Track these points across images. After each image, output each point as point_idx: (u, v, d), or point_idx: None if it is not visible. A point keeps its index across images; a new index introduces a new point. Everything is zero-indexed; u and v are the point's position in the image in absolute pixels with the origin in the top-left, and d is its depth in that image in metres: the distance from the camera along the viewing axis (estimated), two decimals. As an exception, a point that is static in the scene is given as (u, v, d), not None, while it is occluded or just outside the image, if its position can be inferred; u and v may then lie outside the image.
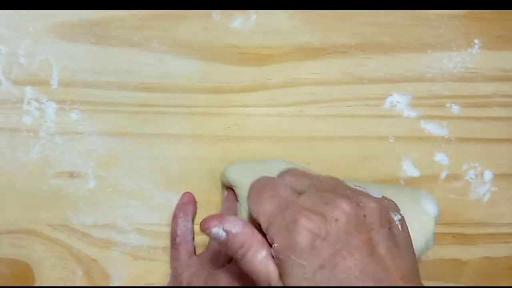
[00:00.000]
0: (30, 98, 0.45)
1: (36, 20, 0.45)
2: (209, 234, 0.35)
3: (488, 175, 0.47)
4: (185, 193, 0.45)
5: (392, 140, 0.47)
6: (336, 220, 0.32)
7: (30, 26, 0.45)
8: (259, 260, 0.34)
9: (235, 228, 0.35)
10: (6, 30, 0.45)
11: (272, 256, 0.34)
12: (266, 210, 0.35)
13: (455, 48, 0.48)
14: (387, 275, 0.31)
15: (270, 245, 0.34)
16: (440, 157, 0.47)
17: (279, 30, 0.47)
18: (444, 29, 0.48)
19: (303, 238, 0.32)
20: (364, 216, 0.33)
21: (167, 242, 0.45)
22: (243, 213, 0.40)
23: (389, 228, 0.33)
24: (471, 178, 0.47)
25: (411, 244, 0.35)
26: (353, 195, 0.34)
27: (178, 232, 0.44)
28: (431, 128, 0.47)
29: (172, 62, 0.46)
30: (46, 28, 0.45)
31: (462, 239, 0.47)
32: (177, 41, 0.46)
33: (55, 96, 0.45)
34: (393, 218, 0.34)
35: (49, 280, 0.44)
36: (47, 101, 0.45)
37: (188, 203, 0.45)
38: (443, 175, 0.47)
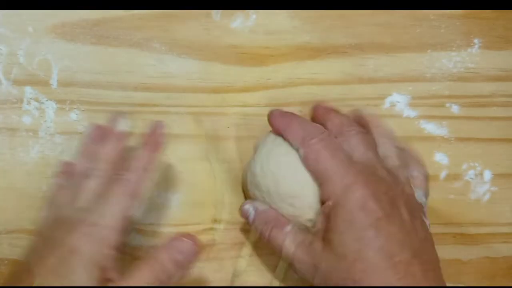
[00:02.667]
0: (30, 98, 0.45)
1: (36, 20, 0.45)
2: (241, 211, 0.41)
3: (487, 175, 0.47)
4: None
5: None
6: (385, 193, 0.37)
7: (30, 26, 0.45)
8: (286, 234, 0.39)
9: (262, 207, 0.40)
10: (6, 30, 0.45)
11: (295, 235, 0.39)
12: (326, 167, 0.37)
13: (455, 48, 0.48)
14: (425, 257, 0.37)
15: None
16: (440, 157, 0.47)
17: (279, 30, 0.47)
18: (444, 29, 0.48)
19: (357, 198, 0.36)
20: (405, 202, 0.38)
21: (167, 242, 0.45)
22: (257, 167, 0.41)
23: (421, 222, 0.39)
24: (470, 178, 0.47)
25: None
26: (397, 179, 0.39)
27: None
28: (431, 128, 0.47)
29: (172, 62, 0.46)
30: (46, 28, 0.45)
31: (462, 239, 0.47)
32: (177, 41, 0.46)
33: (54, 96, 0.45)
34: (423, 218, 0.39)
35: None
36: (46, 101, 0.45)
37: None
38: (442, 175, 0.47)
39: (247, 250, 0.45)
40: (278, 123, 0.40)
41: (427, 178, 0.41)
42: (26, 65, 0.45)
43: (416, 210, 0.39)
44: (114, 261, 0.35)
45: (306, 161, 0.38)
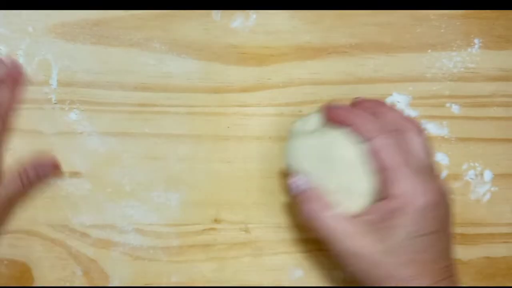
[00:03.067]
0: (30, 98, 0.45)
1: (36, 20, 0.45)
2: (290, 185, 0.40)
3: (488, 175, 0.47)
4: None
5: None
6: (448, 205, 0.38)
7: (30, 26, 0.45)
8: (331, 218, 0.38)
9: (308, 184, 0.40)
10: (6, 30, 0.45)
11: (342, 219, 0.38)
12: (394, 167, 0.37)
13: (455, 48, 0.48)
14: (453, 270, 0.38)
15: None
16: (440, 157, 0.47)
17: (279, 30, 0.47)
18: (444, 29, 0.48)
19: (421, 208, 0.36)
20: (448, 197, 0.39)
21: (167, 242, 0.45)
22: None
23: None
24: (471, 178, 0.47)
25: None
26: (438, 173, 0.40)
27: None
28: (431, 128, 0.47)
29: (172, 62, 0.46)
30: (46, 28, 0.45)
31: (462, 239, 0.47)
32: (177, 41, 0.46)
33: (55, 96, 0.45)
34: None
35: (49, 280, 0.44)
36: (46, 101, 0.45)
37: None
38: (443, 175, 0.47)
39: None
40: (345, 115, 0.39)
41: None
42: (26, 65, 0.45)
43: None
44: None
45: (374, 155, 0.38)
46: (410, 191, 0.36)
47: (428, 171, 0.38)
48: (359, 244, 0.37)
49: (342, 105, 0.40)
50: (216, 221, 0.45)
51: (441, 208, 0.37)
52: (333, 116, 0.39)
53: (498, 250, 0.47)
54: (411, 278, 0.36)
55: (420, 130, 0.39)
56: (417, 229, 0.36)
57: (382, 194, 0.37)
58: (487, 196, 0.47)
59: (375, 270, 0.36)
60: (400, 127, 0.39)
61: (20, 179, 0.43)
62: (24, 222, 0.44)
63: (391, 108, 0.41)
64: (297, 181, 0.40)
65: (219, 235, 0.45)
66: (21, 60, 0.45)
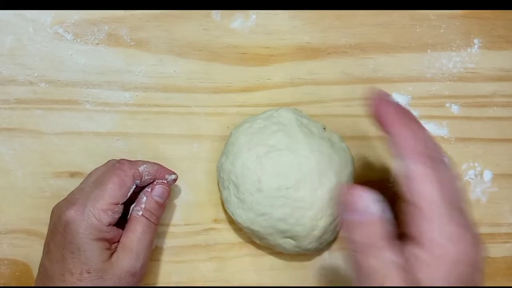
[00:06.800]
0: (31, 98, 0.45)
1: (36, 20, 0.45)
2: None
3: (487, 175, 0.47)
4: None
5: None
6: (471, 253, 0.30)
7: (30, 26, 0.45)
8: (380, 258, 0.31)
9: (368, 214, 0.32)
10: (6, 30, 0.45)
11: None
12: (431, 201, 0.31)
13: (455, 48, 0.48)
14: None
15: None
16: (440, 157, 0.47)
17: (279, 30, 0.47)
18: (444, 29, 0.48)
19: (454, 252, 0.30)
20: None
21: (167, 242, 0.45)
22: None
23: None
24: (470, 178, 0.47)
25: None
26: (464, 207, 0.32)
27: None
28: (431, 128, 0.47)
29: (172, 62, 0.46)
30: (46, 28, 0.45)
31: (462, 239, 0.47)
32: (177, 41, 0.46)
33: (55, 96, 0.45)
34: None
35: (49, 280, 0.44)
36: (47, 101, 0.45)
37: None
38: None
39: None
40: (392, 119, 0.32)
41: None
42: (26, 65, 0.45)
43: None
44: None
45: (407, 180, 0.31)
46: (436, 235, 0.30)
47: (457, 211, 0.31)
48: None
49: (394, 102, 0.33)
50: (216, 221, 0.45)
51: (470, 264, 0.30)
52: (381, 113, 0.32)
53: (498, 250, 0.47)
54: None
55: (449, 162, 0.33)
56: (446, 279, 0.30)
57: (407, 229, 0.31)
58: (487, 196, 0.47)
59: None
60: (432, 155, 0.32)
61: (148, 220, 0.40)
62: (24, 222, 0.44)
63: (419, 125, 0.33)
64: (365, 203, 0.32)
65: (219, 235, 0.45)
66: (21, 60, 0.45)
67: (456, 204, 0.31)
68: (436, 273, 0.30)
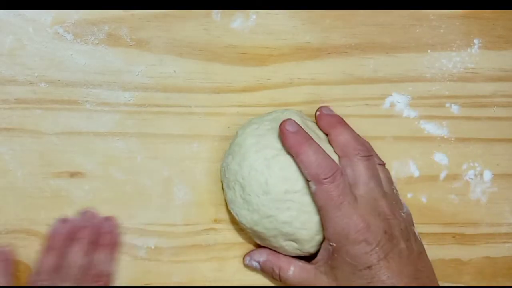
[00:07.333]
0: (31, 98, 0.45)
1: (36, 20, 0.45)
2: (247, 266, 0.45)
3: (487, 175, 0.47)
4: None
5: (391, 140, 0.47)
6: (385, 232, 0.39)
7: (30, 26, 0.45)
8: (292, 275, 0.42)
9: (262, 257, 0.43)
10: (6, 30, 0.45)
11: (303, 268, 0.42)
12: (333, 210, 0.39)
13: (455, 48, 0.48)
14: (420, 274, 0.39)
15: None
16: (440, 157, 0.47)
17: (279, 30, 0.47)
18: (444, 29, 0.48)
19: (360, 245, 0.38)
20: (401, 229, 0.40)
21: (167, 242, 0.45)
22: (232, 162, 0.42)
23: (414, 237, 0.41)
24: (470, 178, 0.47)
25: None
26: (394, 207, 0.41)
27: None
28: (431, 128, 0.47)
29: (172, 62, 0.46)
30: (46, 28, 0.45)
31: (462, 239, 0.47)
32: (177, 41, 0.46)
33: (55, 96, 0.45)
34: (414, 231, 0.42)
35: (49, 280, 0.44)
36: (47, 101, 0.45)
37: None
38: (442, 175, 0.47)
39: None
40: (292, 142, 0.40)
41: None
42: (26, 65, 0.45)
43: (409, 228, 0.41)
44: None
45: (316, 198, 0.39)
46: (344, 235, 0.38)
47: (366, 204, 0.39)
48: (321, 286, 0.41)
49: (297, 129, 0.40)
50: (216, 221, 0.45)
51: (381, 239, 0.38)
52: (285, 139, 0.40)
53: (498, 250, 0.47)
54: None
55: (365, 157, 0.41)
56: (360, 265, 0.38)
57: (326, 236, 0.40)
58: (487, 196, 0.47)
59: None
60: (348, 153, 0.41)
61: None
62: (25, 222, 0.44)
63: (346, 128, 0.43)
64: (251, 256, 0.44)
65: (219, 235, 0.45)
66: (21, 60, 0.45)
67: (354, 200, 0.39)
68: (353, 258, 0.38)
